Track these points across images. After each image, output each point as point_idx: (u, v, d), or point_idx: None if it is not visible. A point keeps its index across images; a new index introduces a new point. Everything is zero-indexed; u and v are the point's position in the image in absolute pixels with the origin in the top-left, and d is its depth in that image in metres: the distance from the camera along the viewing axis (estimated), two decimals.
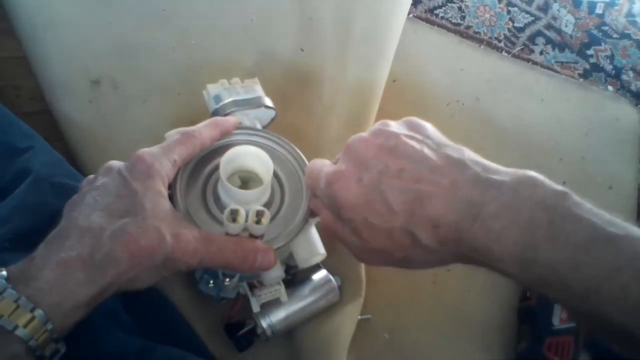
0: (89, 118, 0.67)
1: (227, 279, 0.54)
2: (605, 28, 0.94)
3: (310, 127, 0.70)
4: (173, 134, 0.55)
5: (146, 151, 0.44)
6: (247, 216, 0.45)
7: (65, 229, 0.39)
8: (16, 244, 0.48)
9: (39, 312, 0.35)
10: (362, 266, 0.64)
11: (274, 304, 0.57)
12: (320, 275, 0.61)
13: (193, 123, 0.56)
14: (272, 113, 0.61)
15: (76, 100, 0.68)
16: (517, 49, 0.88)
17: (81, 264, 0.37)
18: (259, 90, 0.61)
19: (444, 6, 0.89)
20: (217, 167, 0.51)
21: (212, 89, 0.59)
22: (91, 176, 0.45)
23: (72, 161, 0.63)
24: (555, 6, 0.94)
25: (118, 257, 0.38)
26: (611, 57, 0.91)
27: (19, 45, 0.73)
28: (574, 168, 0.78)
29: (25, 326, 0.34)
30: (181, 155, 0.47)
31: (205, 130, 0.50)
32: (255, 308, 0.55)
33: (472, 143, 0.77)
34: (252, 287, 0.56)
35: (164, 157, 0.45)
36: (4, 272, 0.36)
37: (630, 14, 0.96)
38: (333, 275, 0.61)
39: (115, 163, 0.44)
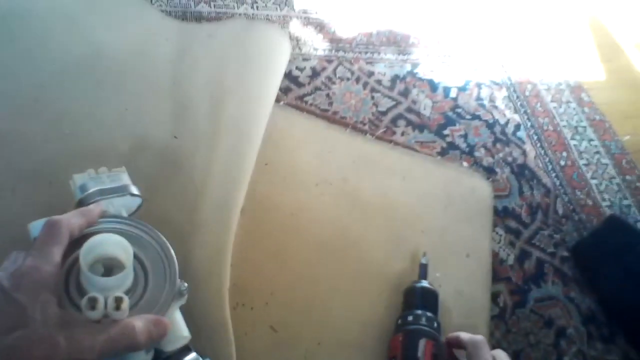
0: None
1: None
2: (459, 110, 1.04)
3: (180, 212, 0.72)
4: (39, 225, 0.56)
5: (28, 265, 0.44)
6: (106, 303, 0.46)
7: None
8: None
9: None
10: (233, 346, 0.65)
11: None
12: (190, 358, 0.61)
13: (65, 211, 0.57)
14: (138, 201, 0.63)
15: None
16: (381, 131, 0.96)
17: None
18: (125, 179, 0.62)
19: (313, 93, 0.96)
20: (78, 257, 0.52)
21: (78, 178, 0.61)
22: None
23: None
24: (415, 91, 1.04)
25: None
26: (465, 136, 1.01)
27: None
28: (435, 238, 0.85)
29: None
30: (59, 254, 0.47)
31: (73, 220, 0.51)
32: None
33: (341, 218, 0.82)
34: None
35: (47, 264, 0.45)
36: None
37: (479, 98, 1.08)
38: (203, 357, 0.62)
39: None
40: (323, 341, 0.71)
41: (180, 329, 0.55)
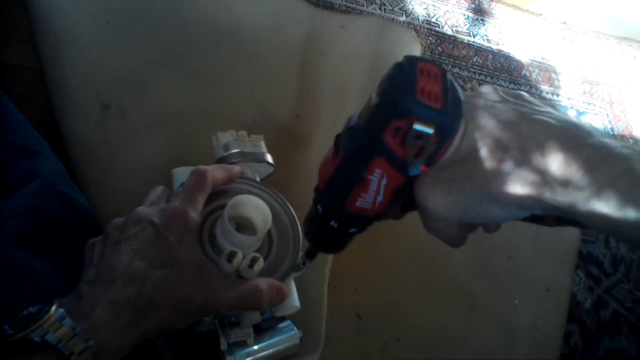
0: (94, 137, 0.70)
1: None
2: None
3: (295, 187, 0.75)
4: (182, 172, 0.60)
5: (177, 207, 0.48)
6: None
7: (107, 274, 0.42)
8: (19, 240, 0.51)
9: (91, 343, 0.38)
10: (324, 323, 0.68)
11: (240, 345, 0.60)
12: (285, 325, 0.65)
13: (188, 162, 0.61)
14: (271, 169, 0.66)
15: (84, 119, 0.71)
16: None
17: (128, 308, 0.41)
18: (263, 147, 0.66)
19: None
20: (216, 209, 0.56)
21: (223, 137, 0.64)
22: (118, 220, 0.48)
23: (71, 174, 0.66)
24: None
25: (159, 305, 0.42)
26: None
27: (34, 56, 0.77)
28: (519, 267, 0.86)
29: (79, 354, 0.37)
30: (202, 202, 0.51)
31: (217, 173, 0.54)
32: (223, 346, 0.58)
33: None
34: (222, 325, 0.59)
35: (193, 210, 0.48)
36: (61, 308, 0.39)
37: None
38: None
39: (145, 213, 0.47)
40: (402, 338, 0.74)
41: (293, 299, 0.58)
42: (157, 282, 0.43)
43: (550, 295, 0.85)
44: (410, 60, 0.36)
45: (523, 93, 0.38)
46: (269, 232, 0.57)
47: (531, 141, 0.33)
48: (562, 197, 0.32)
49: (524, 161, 0.33)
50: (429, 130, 0.34)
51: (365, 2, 1.07)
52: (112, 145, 0.71)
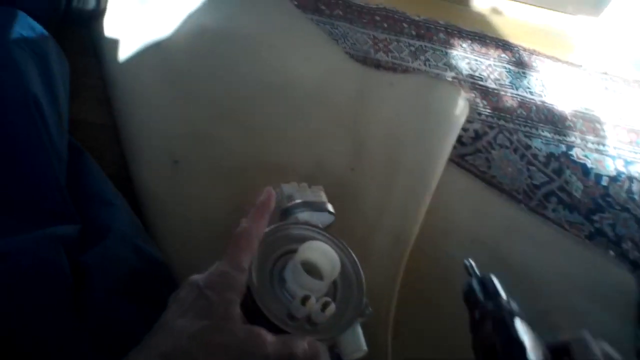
0: (164, 190, 0.74)
1: None
2: (609, 199, 1.05)
3: (349, 240, 0.77)
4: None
5: (220, 269, 0.50)
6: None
7: (152, 332, 0.46)
8: (106, 289, 0.54)
9: None
10: None
11: None
12: None
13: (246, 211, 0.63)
14: (332, 218, 0.68)
15: (156, 173, 0.75)
16: (534, 203, 0.98)
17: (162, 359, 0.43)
18: (324, 197, 0.69)
19: (474, 154, 1.01)
20: (285, 253, 0.58)
21: (286, 188, 0.67)
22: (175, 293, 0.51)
23: (144, 226, 0.69)
24: (568, 172, 1.06)
25: (195, 354, 0.44)
26: (613, 225, 1.01)
27: (107, 114, 0.82)
28: (575, 320, 0.85)
29: None
30: (247, 261, 0.52)
31: (258, 226, 0.55)
32: None
33: None
34: None
35: (234, 270, 0.50)
36: None
37: (630, 191, 1.09)
38: None
39: (194, 279, 0.50)
40: None
41: (361, 342, 0.59)
42: (194, 332, 0.45)
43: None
44: None
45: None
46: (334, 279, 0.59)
47: None
48: None
49: None
50: None
51: (410, 59, 1.12)
52: (182, 198, 0.74)
